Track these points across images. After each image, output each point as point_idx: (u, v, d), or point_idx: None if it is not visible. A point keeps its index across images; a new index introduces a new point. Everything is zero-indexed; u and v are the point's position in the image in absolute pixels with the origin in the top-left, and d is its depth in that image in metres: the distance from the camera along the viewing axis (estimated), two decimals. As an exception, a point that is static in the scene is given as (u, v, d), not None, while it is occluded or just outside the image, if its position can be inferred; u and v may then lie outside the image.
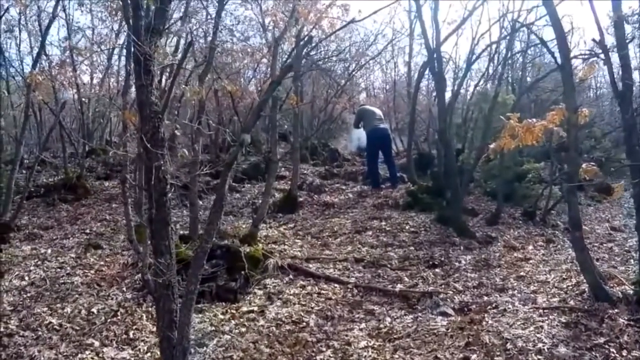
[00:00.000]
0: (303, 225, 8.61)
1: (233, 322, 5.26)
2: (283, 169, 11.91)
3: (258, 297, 5.87)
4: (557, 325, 4.96)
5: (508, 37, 10.61)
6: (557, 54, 5.63)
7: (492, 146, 4.98)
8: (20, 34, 12.27)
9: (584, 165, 4.98)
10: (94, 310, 5.51)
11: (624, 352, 4.38)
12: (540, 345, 4.57)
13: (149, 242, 3.96)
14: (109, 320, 5.30)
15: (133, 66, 3.71)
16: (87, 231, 8.26)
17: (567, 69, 5.45)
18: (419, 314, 5.48)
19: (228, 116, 12.36)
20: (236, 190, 10.56)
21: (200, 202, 9.68)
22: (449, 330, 5.03)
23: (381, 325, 5.20)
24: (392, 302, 5.78)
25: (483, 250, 7.73)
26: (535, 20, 10.54)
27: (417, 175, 11.57)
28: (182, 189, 8.62)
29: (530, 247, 8.03)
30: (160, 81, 6.82)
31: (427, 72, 12.15)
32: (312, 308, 5.56)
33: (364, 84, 17.25)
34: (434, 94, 13.82)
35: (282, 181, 11.30)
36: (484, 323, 5.12)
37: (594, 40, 5.36)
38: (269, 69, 10.43)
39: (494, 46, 11.63)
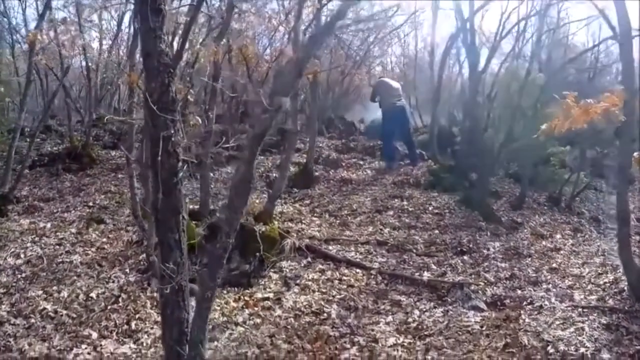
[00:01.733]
0: (320, 202, 8.11)
1: (247, 311, 4.76)
2: (298, 141, 11.33)
3: (274, 282, 5.37)
4: (597, 327, 4.60)
5: (542, 12, 9.98)
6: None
7: (543, 127, 4.45)
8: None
9: (635, 155, 4.51)
10: (93, 295, 5.01)
11: (667, 360, 4.02)
12: (582, 349, 4.21)
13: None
14: (109, 307, 4.80)
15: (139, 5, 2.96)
16: (90, 204, 7.77)
17: (628, 47, 4.90)
18: (450, 307, 5.03)
19: (241, 85, 11.81)
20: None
21: (212, 174, 9.23)
22: (484, 328, 4.61)
23: (409, 319, 4.75)
24: (419, 292, 5.31)
25: (510, 237, 7.33)
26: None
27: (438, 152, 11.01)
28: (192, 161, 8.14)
29: (558, 235, 7.68)
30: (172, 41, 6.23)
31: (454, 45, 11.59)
32: (333, 297, 5.06)
33: (381, 58, 16.53)
34: (457, 69, 13.32)
35: (297, 154, 10.64)
36: (520, 321, 4.73)
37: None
38: (286, 36, 9.91)
39: (521, 23, 11.04)
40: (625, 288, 5.26)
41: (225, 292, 5.13)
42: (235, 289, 5.21)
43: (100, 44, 12.53)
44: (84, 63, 11.36)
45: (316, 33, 4.80)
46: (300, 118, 12.06)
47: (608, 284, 5.58)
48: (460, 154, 10.25)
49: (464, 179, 9.35)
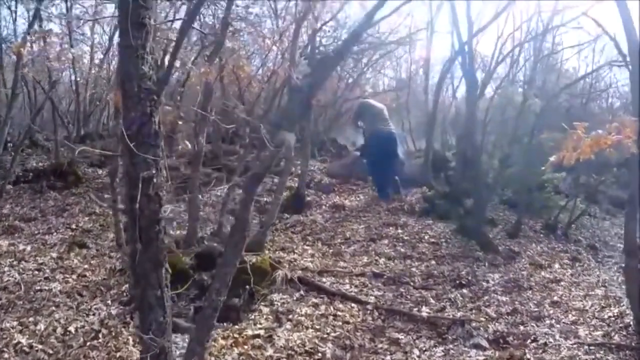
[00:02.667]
0: (312, 229, 7.82)
1: (236, 350, 4.37)
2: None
3: (264, 317, 5.03)
4: None
5: (539, 37, 9.90)
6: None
7: (552, 159, 4.26)
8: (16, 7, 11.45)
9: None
10: (72, 328, 4.63)
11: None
12: (591, 393, 3.94)
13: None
14: (88, 343, 4.41)
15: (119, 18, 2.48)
16: (73, 226, 7.45)
17: (637, 70, 4.72)
18: (451, 346, 4.76)
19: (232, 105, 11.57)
20: (238, 186, 9.63)
21: (200, 197, 8.93)
22: (488, 370, 4.34)
23: (409, 360, 4.48)
24: (418, 330, 5.02)
25: (509, 268, 7.13)
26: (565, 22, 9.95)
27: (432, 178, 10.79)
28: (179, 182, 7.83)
29: (557, 265, 7.52)
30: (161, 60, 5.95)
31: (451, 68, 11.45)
32: (327, 334, 4.73)
33: (373, 80, 16.38)
34: (450, 93, 13.21)
35: (288, 177, 10.41)
36: (525, 360, 4.45)
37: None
38: (279, 56, 9.70)
39: (516, 49, 10.98)
40: (631, 323, 5.07)
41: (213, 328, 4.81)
42: (224, 324, 4.83)
43: (92, 59, 12.27)
44: (73, 77, 11.09)
45: (327, 56, 4.43)
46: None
47: (613, 319, 5.38)
48: (454, 180, 10.04)
49: (459, 206, 9.14)
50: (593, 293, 6.27)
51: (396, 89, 15.57)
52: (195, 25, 5.20)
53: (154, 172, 2.49)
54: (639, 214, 4.85)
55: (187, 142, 4.94)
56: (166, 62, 2.94)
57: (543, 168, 4.44)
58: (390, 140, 9.63)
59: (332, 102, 13.67)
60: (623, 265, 5.14)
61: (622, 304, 5.72)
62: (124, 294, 5.33)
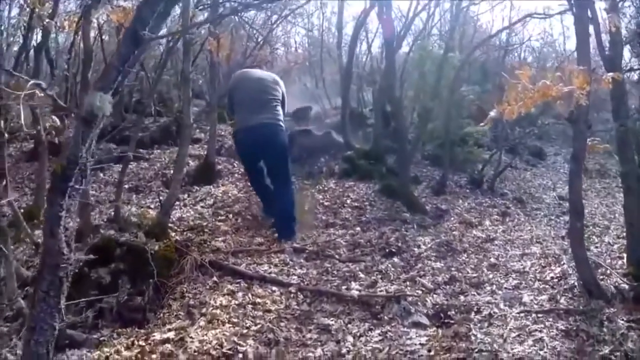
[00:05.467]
0: (224, 201, 6.98)
1: None
2: (198, 130, 10.03)
3: (174, 314, 4.22)
4: (557, 335, 4.03)
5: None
6: None
7: (492, 113, 3.71)
8: None
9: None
10: None
11: (632, 362, 3.55)
12: (548, 366, 3.61)
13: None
14: None
15: None
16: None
17: (584, 20, 4.23)
18: (387, 327, 4.18)
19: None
20: (143, 159, 8.69)
21: (101, 174, 7.95)
22: (432, 353, 3.81)
23: (343, 350, 3.83)
24: (350, 312, 4.39)
25: (439, 229, 6.74)
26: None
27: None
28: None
29: (487, 222, 7.28)
30: None
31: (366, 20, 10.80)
32: (247, 328, 3.98)
33: (284, 37, 15.52)
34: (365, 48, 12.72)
35: (196, 145, 9.28)
36: (472, 337, 3.99)
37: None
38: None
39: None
40: (576, 284, 4.75)
41: (115, 334, 3.96)
42: (128, 329, 4.04)
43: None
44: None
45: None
46: (199, 104, 10.86)
47: (556, 280, 5.05)
48: (374, 137, 9.53)
49: (381, 165, 8.69)
50: (529, 251, 5.97)
51: (309, 45, 14.89)
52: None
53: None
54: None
55: (54, 117, 4.00)
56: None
57: (482, 124, 3.88)
58: (271, 137, 6.01)
59: (240, 62, 12.76)
60: (568, 227, 4.75)
61: (562, 263, 5.43)
62: (6, 307, 4.32)
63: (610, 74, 3.85)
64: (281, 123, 6.17)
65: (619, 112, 4.76)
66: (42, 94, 2.54)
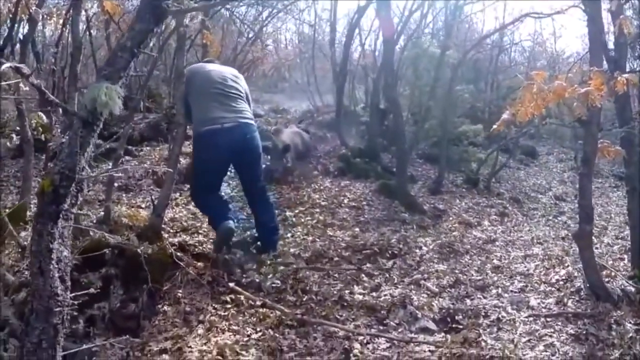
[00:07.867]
0: (219, 199, 6.75)
1: None
2: (188, 127, 9.69)
3: (170, 322, 3.95)
4: (567, 339, 3.91)
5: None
6: None
7: (504, 116, 3.57)
8: None
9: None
10: None
11: (641, 366, 3.51)
12: (559, 371, 3.55)
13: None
14: None
15: None
16: None
17: (598, 21, 4.09)
18: (394, 334, 4.00)
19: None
20: (133, 155, 8.42)
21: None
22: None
23: (352, 359, 3.65)
24: (355, 317, 4.20)
25: (438, 229, 6.65)
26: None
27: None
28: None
29: (486, 222, 7.24)
30: None
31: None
32: (248, 336, 3.75)
33: (275, 34, 15.30)
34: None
35: (188, 142, 9.05)
36: (482, 344, 3.81)
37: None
38: None
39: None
40: (582, 287, 4.65)
41: (109, 345, 3.69)
42: (122, 338, 3.73)
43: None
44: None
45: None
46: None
47: (561, 282, 4.93)
48: (369, 136, 9.39)
49: (377, 163, 8.55)
50: (532, 253, 5.89)
51: (300, 42, 14.70)
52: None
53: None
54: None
55: (41, 114, 3.75)
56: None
57: (495, 127, 3.73)
58: (240, 141, 5.05)
59: (230, 58, 12.57)
60: (577, 230, 4.62)
61: (566, 265, 5.33)
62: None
63: (626, 75, 3.70)
64: (254, 122, 5.35)
65: (623, 114, 4.70)
66: (26, 83, 2.21)
